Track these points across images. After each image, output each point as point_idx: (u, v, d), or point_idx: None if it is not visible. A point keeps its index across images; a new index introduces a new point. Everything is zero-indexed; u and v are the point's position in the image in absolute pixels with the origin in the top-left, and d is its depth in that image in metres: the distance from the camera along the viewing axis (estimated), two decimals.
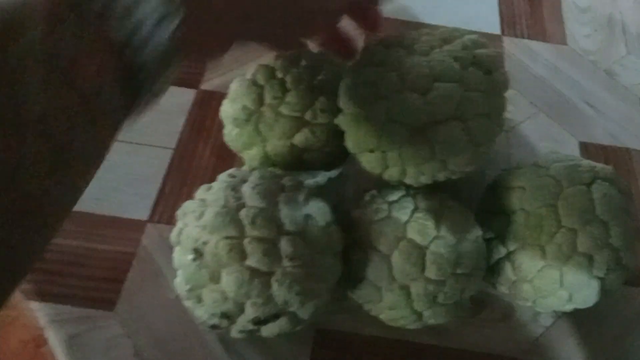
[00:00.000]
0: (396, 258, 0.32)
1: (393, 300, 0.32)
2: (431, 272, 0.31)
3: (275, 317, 0.30)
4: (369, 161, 0.34)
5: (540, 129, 0.50)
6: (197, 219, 0.31)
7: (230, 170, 0.34)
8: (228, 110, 0.37)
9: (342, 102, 0.34)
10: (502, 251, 0.35)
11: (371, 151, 0.33)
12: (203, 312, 0.31)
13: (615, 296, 0.39)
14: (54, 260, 0.38)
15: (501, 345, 0.37)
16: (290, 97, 0.35)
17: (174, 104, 0.47)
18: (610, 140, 0.50)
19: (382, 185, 0.36)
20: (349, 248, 0.34)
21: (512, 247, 0.34)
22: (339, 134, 0.35)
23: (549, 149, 0.48)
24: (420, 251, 0.32)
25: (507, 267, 0.35)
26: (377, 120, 0.32)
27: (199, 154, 0.44)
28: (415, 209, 0.33)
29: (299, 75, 0.36)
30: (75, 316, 0.35)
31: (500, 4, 0.59)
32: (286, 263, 0.29)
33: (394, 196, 0.34)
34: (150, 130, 0.45)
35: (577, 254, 0.33)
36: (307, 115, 0.35)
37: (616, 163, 0.48)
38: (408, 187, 0.35)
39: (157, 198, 0.42)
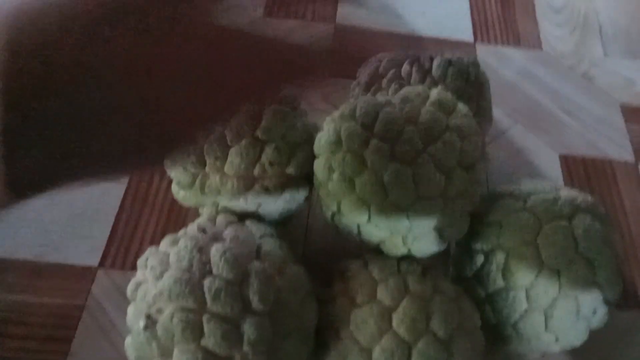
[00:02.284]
0: (378, 354, 0.28)
1: None
2: None
3: None
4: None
5: (518, 143, 0.48)
6: (156, 279, 0.28)
7: (203, 221, 0.31)
8: (170, 169, 0.34)
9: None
10: (480, 293, 0.32)
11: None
12: None
13: None
14: None
15: None
16: (233, 155, 0.32)
17: None
18: (590, 149, 0.48)
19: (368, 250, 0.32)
20: (325, 329, 0.30)
21: (491, 289, 0.32)
22: (294, 182, 0.32)
23: (527, 164, 0.46)
24: (405, 349, 0.28)
25: (487, 311, 0.32)
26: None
27: (155, 188, 0.41)
28: (405, 294, 0.29)
29: (240, 128, 0.32)
30: None
31: (472, 9, 0.57)
32: (246, 348, 0.26)
33: (381, 273, 0.30)
34: None
35: (561, 295, 0.30)
36: (256, 172, 0.32)
37: (597, 175, 0.46)
38: (400, 261, 0.32)
39: (108, 240, 0.38)
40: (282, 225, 0.39)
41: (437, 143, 0.29)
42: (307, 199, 0.36)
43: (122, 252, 0.38)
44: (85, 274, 0.36)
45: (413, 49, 0.51)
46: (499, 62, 0.53)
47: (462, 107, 0.31)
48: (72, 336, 0.34)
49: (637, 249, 0.42)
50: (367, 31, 0.54)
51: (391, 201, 0.29)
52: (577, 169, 0.46)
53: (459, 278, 0.34)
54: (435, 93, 0.31)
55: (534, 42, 0.56)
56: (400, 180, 0.28)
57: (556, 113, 0.50)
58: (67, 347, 0.33)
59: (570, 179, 0.46)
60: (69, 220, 0.39)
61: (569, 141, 0.48)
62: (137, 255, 0.32)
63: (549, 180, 0.45)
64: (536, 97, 0.51)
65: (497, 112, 0.49)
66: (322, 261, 0.34)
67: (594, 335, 0.37)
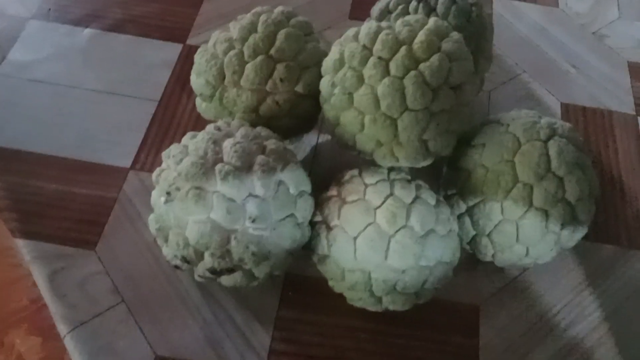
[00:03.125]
0: (361, 242, 0.32)
1: (354, 281, 0.33)
2: (393, 260, 0.32)
3: (230, 270, 0.32)
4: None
5: (523, 90, 0.50)
6: (176, 164, 0.32)
7: (219, 123, 0.35)
8: (195, 83, 0.38)
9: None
10: (462, 207, 0.36)
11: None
12: (168, 252, 0.33)
13: (575, 250, 0.41)
14: (37, 201, 0.40)
15: (463, 293, 0.39)
16: (249, 70, 0.36)
17: (160, 58, 0.49)
18: (591, 101, 0.50)
19: (363, 164, 0.36)
20: (320, 222, 0.34)
21: (471, 203, 0.36)
22: (302, 99, 0.36)
23: (528, 109, 0.49)
24: (385, 238, 0.32)
25: (467, 222, 0.36)
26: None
27: (182, 107, 0.46)
28: (390, 195, 0.33)
29: (256, 46, 0.36)
30: (57, 253, 0.38)
31: None
32: (248, 224, 0.31)
33: (372, 179, 0.34)
34: (136, 82, 0.47)
35: (532, 209, 0.34)
36: (268, 86, 0.36)
37: (595, 124, 0.49)
38: (390, 171, 0.35)
39: (139, 147, 0.43)
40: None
41: (427, 62, 0.32)
42: (316, 120, 0.40)
43: (150, 157, 0.43)
44: (119, 173, 0.42)
45: None
46: (514, 16, 0.56)
47: (455, 34, 0.34)
48: (105, 222, 0.39)
49: (623, 192, 0.45)
50: None
51: (382, 111, 0.33)
52: (577, 116, 0.49)
53: (446, 195, 0.38)
54: (432, 20, 0.34)
55: (551, 0, 0.58)
56: (391, 92, 0.32)
57: (563, 66, 0.52)
58: (100, 230, 0.39)
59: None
60: (106, 128, 0.44)
61: (572, 92, 0.51)
62: None
63: None
64: (546, 51, 0.53)
65: (507, 61, 0.52)
66: (327, 177, 0.38)
67: (574, 264, 0.41)
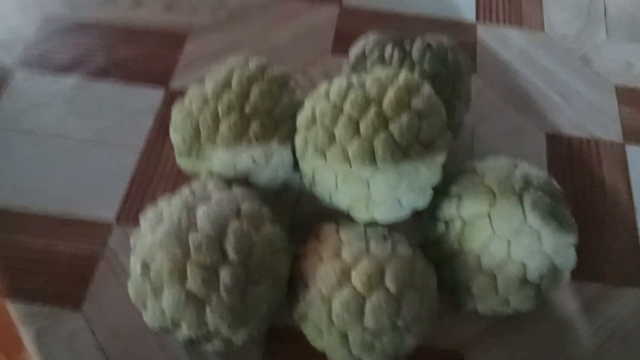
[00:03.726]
0: (336, 303, 0.32)
1: (332, 343, 0.33)
2: (369, 322, 0.32)
3: (207, 339, 0.32)
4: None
5: (507, 123, 0.50)
6: (152, 231, 0.33)
7: (195, 185, 0.36)
8: (173, 138, 0.39)
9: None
10: (441, 258, 0.36)
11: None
12: (147, 319, 0.33)
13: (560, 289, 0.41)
14: (23, 258, 0.41)
15: (445, 338, 0.39)
16: (223, 128, 0.36)
17: (143, 103, 0.49)
18: (577, 131, 0.50)
19: (342, 215, 0.37)
20: (297, 279, 0.35)
21: (449, 254, 0.36)
22: (278, 153, 0.37)
23: (512, 143, 0.49)
24: (360, 300, 0.32)
25: (447, 273, 0.36)
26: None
27: (166, 155, 0.46)
28: (366, 254, 0.33)
29: (230, 103, 0.36)
30: (43, 312, 0.38)
31: None
32: (222, 291, 0.31)
33: (348, 235, 0.35)
34: (120, 130, 0.47)
35: (511, 262, 0.34)
36: (244, 143, 0.36)
37: (581, 154, 0.48)
38: (367, 226, 0.36)
39: (124, 198, 0.44)
40: (276, 193, 0.43)
41: (396, 122, 0.32)
42: (297, 169, 0.40)
43: (135, 208, 0.43)
44: (103, 227, 0.42)
45: (411, 29, 0.54)
46: (499, 43, 0.55)
47: (426, 89, 0.34)
48: (91, 278, 0.40)
49: (609, 226, 0.45)
50: (371, 12, 0.57)
51: (354, 171, 0.33)
52: (562, 147, 0.49)
53: (425, 244, 0.38)
54: (402, 75, 0.34)
55: (537, 24, 0.57)
56: (361, 153, 0.32)
57: (549, 95, 0.52)
58: (86, 286, 0.40)
59: (553, 158, 0.48)
60: (91, 179, 0.44)
61: (558, 122, 0.50)
62: None
63: (532, 159, 0.47)
64: (531, 78, 0.53)
65: (491, 93, 0.52)
66: (310, 224, 0.38)
67: (559, 304, 0.41)
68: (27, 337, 0.37)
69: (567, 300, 0.41)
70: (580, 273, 0.42)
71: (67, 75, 0.51)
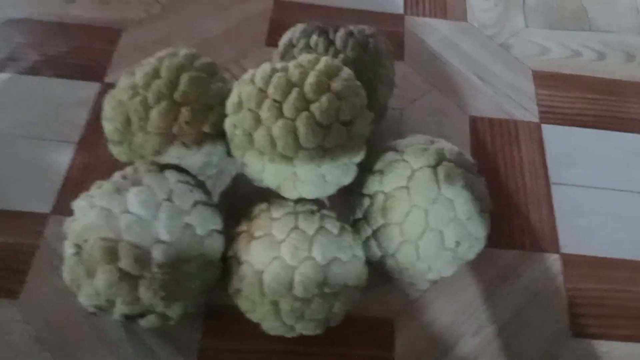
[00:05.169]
0: (267, 275, 0.34)
1: (265, 313, 0.35)
2: (298, 291, 0.34)
3: (142, 315, 0.34)
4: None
5: (433, 105, 0.53)
6: (84, 216, 0.34)
7: (127, 170, 0.36)
8: (105, 129, 0.39)
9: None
10: (367, 230, 0.39)
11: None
12: (82, 301, 0.34)
13: (482, 257, 0.44)
14: None
15: (377, 308, 0.41)
16: (154, 115, 0.37)
17: (77, 98, 0.49)
18: (498, 112, 0.53)
19: (276, 195, 0.38)
20: (231, 258, 0.36)
21: (375, 227, 0.38)
22: (211, 138, 0.38)
23: (438, 124, 0.52)
24: (289, 271, 0.34)
25: (373, 245, 0.38)
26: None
27: (103, 147, 0.46)
28: (294, 229, 0.35)
29: (159, 91, 0.37)
30: None
31: None
32: (155, 270, 0.32)
33: (278, 213, 0.36)
34: (54, 125, 0.48)
35: (429, 230, 0.36)
36: (175, 130, 0.37)
37: (502, 134, 0.52)
38: (296, 203, 0.37)
39: (59, 191, 0.44)
40: (211, 178, 0.45)
41: (317, 103, 0.34)
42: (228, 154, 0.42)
43: (71, 201, 0.44)
44: (38, 219, 0.43)
45: (343, 21, 0.56)
46: (425, 33, 0.58)
47: (345, 72, 0.36)
48: (27, 269, 0.40)
49: (528, 198, 0.48)
50: (305, 4, 0.59)
51: (279, 151, 0.35)
52: (484, 127, 0.52)
53: (354, 220, 0.40)
54: (323, 60, 0.36)
55: (460, 15, 0.61)
56: (284, 134, 0.34)
57: (471, 79, 0.55)
58: (22, 278, 0.40)
59: (477, 137, 0.51)
60: (24, 174, 0.45)
61: (479, 104, 0.54)
62: None
63: (457, 139, 0.51)
64: (455, 64, 0.56)
65: (418, 78, 0.55)
66: (248, 205, 0.40)
67: (481, 270, 0.44)
68: None
69: (488, 266, 0.44)
70: (501, 241, 0.45)
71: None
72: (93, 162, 0.46)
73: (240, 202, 0.45)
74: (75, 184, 0.45)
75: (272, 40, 0.55)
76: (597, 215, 0.48)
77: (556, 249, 0.46)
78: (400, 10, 0.60)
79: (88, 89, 0.50)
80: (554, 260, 0.45)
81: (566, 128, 0.53)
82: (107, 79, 0.51)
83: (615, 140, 0.52)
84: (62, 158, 0.46)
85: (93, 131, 0.47)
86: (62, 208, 0.43)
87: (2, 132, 0.47)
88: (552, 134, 0.52)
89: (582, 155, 0.51)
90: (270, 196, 0.39)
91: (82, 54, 0.52)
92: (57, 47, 0.53)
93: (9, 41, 0.52)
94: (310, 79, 0.35)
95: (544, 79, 0.56)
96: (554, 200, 0.48)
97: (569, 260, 0.45)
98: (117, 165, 0.37)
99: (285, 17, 0.57)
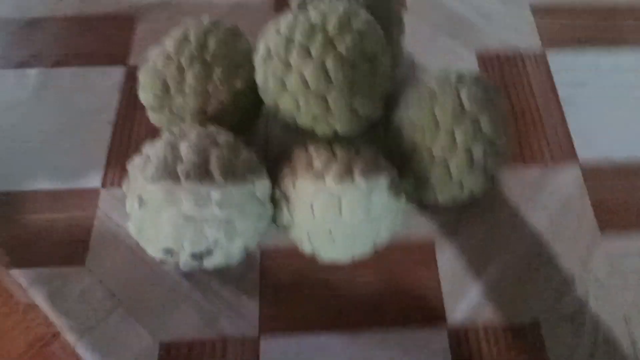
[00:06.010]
0: (316, 205, 0.37)
1: (320, 243, 0.38)
2: (346, 217, 0.37)
3: (209, 252, 0.37)
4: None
5: (441, 48, 0.56)
6: (141, 172, 0.37)
7: (173, 129, 0.39)
8: (143, 99, 0.42)
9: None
10: (397, 154, 0.41)
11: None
12: (152, 249, 0.37)
13: (508, 175, 0.47)
14: (24, 232, 0.44)
15: (418, 233, 0.44)
16: (189, 77, 0.40)
17: (107, 82, 0.52)
18: (502, 45, 0.56)
19: (308, 138, 0.41)
20: (279, 199, 0.39)
21: (403, 150, 0.41)
22: (243, 94, 0.41)
23: (448, 64, 0.54)
24: (336, 198, 0.37)
25: (408, 170, 0.41)
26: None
27: (138, 123, 0.50)
28: (333, 159, 0.38)
29: (191, 55, 0.40)
30: (51, 274, 0.41)
31: None
32: (215, 209, 0.35)
33: (315, 148, 0.39)
34: (90, 110, 0.51)
35: (457, 148, 0.39)
36: (210, 88, 0.40)
37: (510, 65, 0.54)
38: (331, 142, 0.40)
39: (105, 167, 0.47)
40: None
41: (344, 41, 0.37)
42: (260, 110, 0.45)
43: (117, 174, 0.47)
44: (92, 194, 0.46)
45: None
46: None
47: (363, 14, 0.39)
48: (89, 238, 0.43)
49: (541, 115, 0.51)
50: None
51: (312, 91, 0.37)
52: (492, 63, 0.55)
53: (385, 151, 0.43)
54: (341, 5, 0.39)
55: None
56: (316, 73, 0.37)
57: (474, 18, 0.58)
58: (86, 246, 0.43)
59: (486, 70, 0.54)
60: (72, 157, 0.48)
61: (485, 40, 0.56)
62: None
63: None
64: (457, 9, 0.59)
65: (425, 27, 0.57)
66: (280, 160, 0.42)
67: (509, 188, 0.46)
68: (39, 299, 0.41)
69: (516, 184, 0.47)
70: (524, 158, 0.48)
71: (29, 69, 0.53)
72: (132, 137, 0.49)
73: (275, 155, 0.48)
74: (117, 158, 0.48)
75: (279, 6, 0.58)
76: (611, 125, 0.50)
77: (576, 160, 0.48)
78: None
79: (115, 73, 0.53)
80: (575, 171, 0.48)
81: (568, 51, 0.55)
82: (131, 62, 0.54)
83: (616, 56, 0.55)
84: (104, 138, 0.49)
85: (128, 110, 0.50)
86: (112, 181, 0.46)
87: (43, 123, 0.50)
88: (556, 58, 0.55)
89: (587, 72, 0.54)
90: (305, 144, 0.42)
91: (104, 42, 0.55)
92: (80, 40, 0.55)
93: (34, 39, 0.55)
94: (333, 20, 0.38)
95: (542, 10, 0.59)
96: (566, 115, 0.51)
97: (589, 168, 0.48)
98: (156, 136, 0.40)
99: None
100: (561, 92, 0.53)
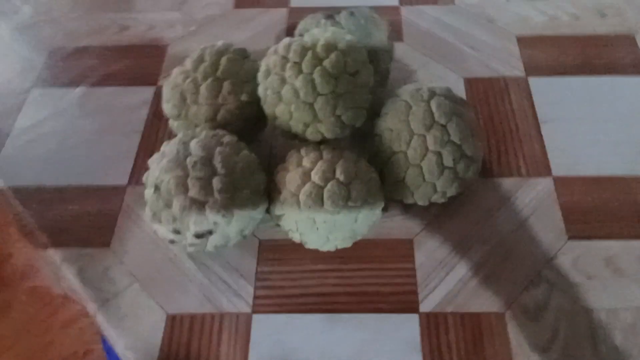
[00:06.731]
0: (303, 195, 0.43)
1: (304, 227, 0.44)
2: (328, 205, 0.43)
3: (209, 232, 0.43)
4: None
5: (431, 72, 0.62)
6: (157, 164, 0.44)
7: (187, 130, 0.47)
8: (165, 108, 0.50)
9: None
10: (380, 161, 0.47)
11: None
12: (163, 231, 0.44)
13: (483, 185, 0.52)
14: (59, 220, 0.51)
15: (398, 231, 0.50)
16: (203, 90, 0.48)
17: (138, 99, 0.61)
18: (489, 72, 0.62)
19: (302, 143, 0.48)
20: (273, 191, 0.46)
21: (385, 157, 0.47)
22: (248, 105, 0.49)
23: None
24: (319, 190, 0.43)
25: (386, 172, 0.47)
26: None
27: (162, 132, 0.58)
28: (320, 159, 0.44)
29: (205, 71, 0.48)
30: (81, 253, 0.49)
31: None
32: (216, 195, 0.42)
33: (306, 152, 0.46)
34: (124, 121, 0.59)
35: (429, 152, 0.45)
36: (220, 100, 0.48)
37: (494, 90, 0.60)
38: (319, 144, 0.47)
39: (132, 168, 0.55)
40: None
41: (328, 59, 0.44)
42: (263, 120, 0.52)
43: (142, 173, 0.54)
44: (119, 190, 0.53)
45: None
46: (419, 18, 0.68)
47: (348, 37, 0.46)
48: (114, 226, 0.51)
49: (520, 135, 0.56)
50: (313, 7, 0.70)
51: (302, 100, 0.44)
52: (478, 86, 0.61)
53: (369, 157, 0.49)
54: (330, 30, 0.46)
55: (448, 1, 0.70)
56: (305, 85, 0.44)
57: (462, 48, 0.64)
58: (111, 232, 0.50)
59: (472, 95, 0.60)
60: (104, 159, 0.56)
61: (472, 68, 0.62)
62: None
63: None
64: (448, 39, 0.66)
65: (417, 54, 0.64)
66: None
67: (484, 195, 0.52)
68: (69, 274, 0.48)
69: (490, 192, 0.52)
70: (500, 171, 0.53)
71: (74, 87, 0.62)
72: (156, 143, 0.57)
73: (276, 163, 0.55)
74: (143, 161, 0.55)
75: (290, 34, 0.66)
76: (584, 144, 0.55)
77: (549, 173, 0.53)
78: (397, 3, 0.70)
79: (146, 92, 0.61)
80: (548, 182, 0.53)
81: (550, 77, 0.61)
82: (160, 83, 0.62)
83: (595, 82, 0.60)
84: (133, 144, 0.57)
85: (153, 122, 0.58)
86: (137, 179, 0.54)
87: (84, 131, 0.58)
88: (537, 83, 0.61)
89: (567, 96, 0.59)
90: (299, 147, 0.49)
91: (138, 67, 0.64)
92: (118, 65, 0.65)
93: (80, 65, 0.65)
94: (321, 42, 0.45)
95: (528, 42, 0.65)
96: (543, 134, 0.56)
97: (562, 180, 0.53)
98: None
99: (298, 20, 0.68)
100: (540, 112, 0.58)
